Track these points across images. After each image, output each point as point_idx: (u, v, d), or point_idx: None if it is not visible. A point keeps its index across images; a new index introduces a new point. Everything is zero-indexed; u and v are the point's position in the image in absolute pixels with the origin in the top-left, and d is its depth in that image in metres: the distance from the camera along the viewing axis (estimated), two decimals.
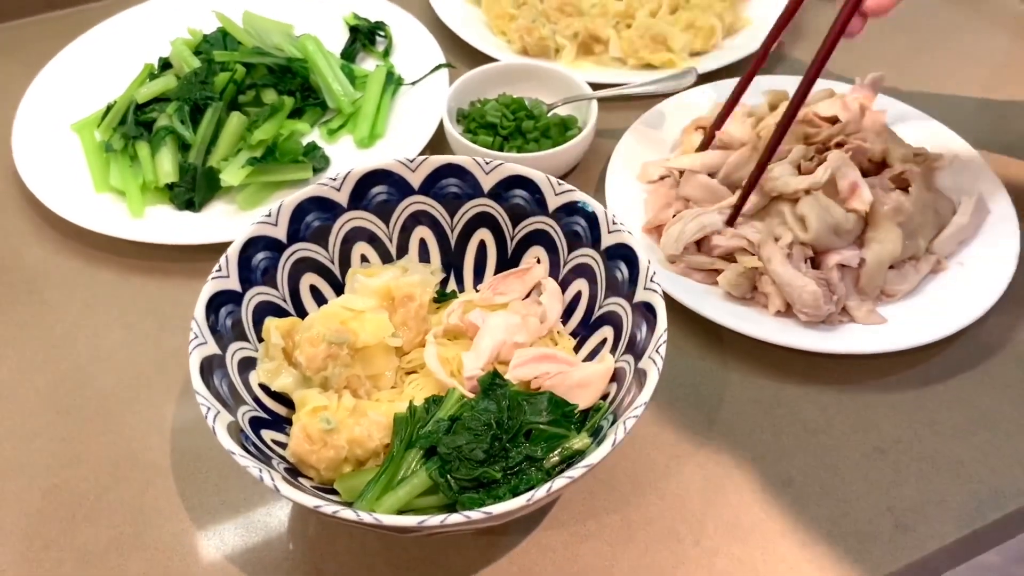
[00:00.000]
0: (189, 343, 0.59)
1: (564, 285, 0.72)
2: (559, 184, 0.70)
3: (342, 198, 0.71)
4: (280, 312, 0.69)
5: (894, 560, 0.64)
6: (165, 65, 1.00)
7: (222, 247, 0.70)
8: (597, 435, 0.61)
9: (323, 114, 0.99)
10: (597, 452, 0.53)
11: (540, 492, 0.52)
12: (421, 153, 0.90)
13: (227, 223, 0.86)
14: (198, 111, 0.92)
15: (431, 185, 0.72)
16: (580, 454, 0.59)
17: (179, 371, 0.75)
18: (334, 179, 0.70)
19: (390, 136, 0.96)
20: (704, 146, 0.86)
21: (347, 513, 0.51)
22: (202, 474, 0.69)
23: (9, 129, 0.94)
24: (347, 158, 0.94)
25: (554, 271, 0.72)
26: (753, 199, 0.79)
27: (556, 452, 0.59)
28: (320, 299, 0.72)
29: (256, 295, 0.67)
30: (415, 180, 0.72)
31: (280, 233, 0.69)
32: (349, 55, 1.05)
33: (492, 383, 0.63)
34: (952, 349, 0.77)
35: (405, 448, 0.60)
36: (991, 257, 0.79)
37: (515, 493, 0.57)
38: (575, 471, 0.53)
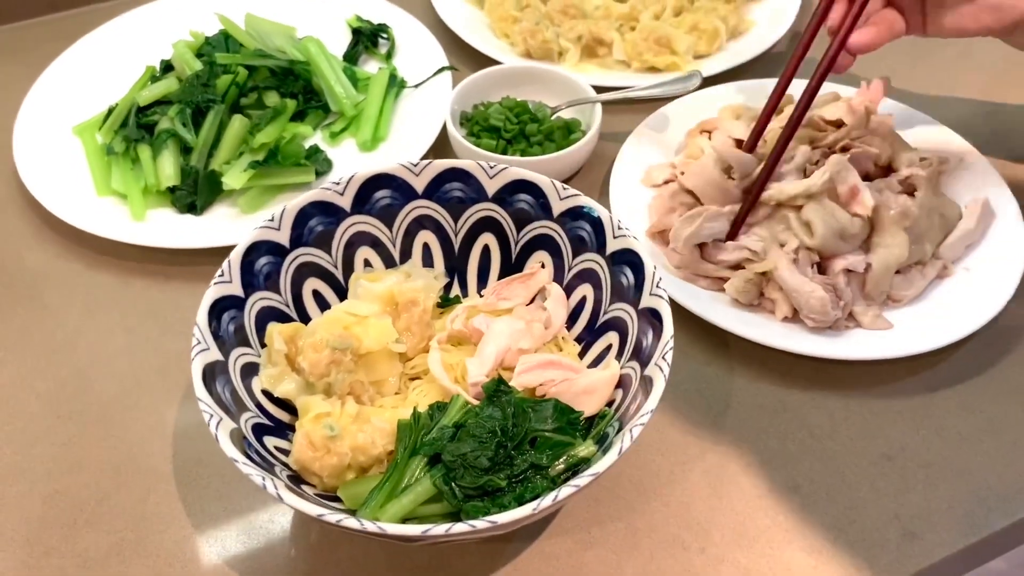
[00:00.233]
0: (191, 349, 0.59)
1: (569, 290, 0.71)
2: (564, 188, 0.69)
3: (345, 202, 0.70)
4: (283, 317, 0.68)
5: (902, 568, 0.63)
6: (167, 67, 0.99)
7: (224, 251, 0.70)
8: (603, 442, 0.60)
9: (325, 117, 0.99)
10: (603, 460, 0.53)
11: (546, 501, 0.51)
12: (424, 156, 0.90)
13: (229, 227, 0.86)
14: (200, 114, 0.92)
15: (435, 189, 0.72)
16: (586, 462, 0.59)
17: (181, 376, 0.75)
18: (337, 183, 0.70)
19: (393, 139, 0.96)
20: (750, 148, 0.82)
21: (351, 522, 0.50)
22: (204, 479, 0.68)
23: (10, 132, 0.94)
24: (350, 161, 0.94)
25: (559, 276, 0.72)
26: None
27: (561, 460, 0.59)
28: (323, 304, 0.71)
29: (259, 300, 0.67)
30: (419, 184, 0.71)
31: (283, 238, 0.68)
32: (352, 58, 1.05)
33: (497, 390, 0.62)
34: (959, 355, 0.76)
35: (409, 455, 0.60)
36: (998, 261, 0.79)
37: (520, 502, 0.56)
38: (581, 480, 0.52)
